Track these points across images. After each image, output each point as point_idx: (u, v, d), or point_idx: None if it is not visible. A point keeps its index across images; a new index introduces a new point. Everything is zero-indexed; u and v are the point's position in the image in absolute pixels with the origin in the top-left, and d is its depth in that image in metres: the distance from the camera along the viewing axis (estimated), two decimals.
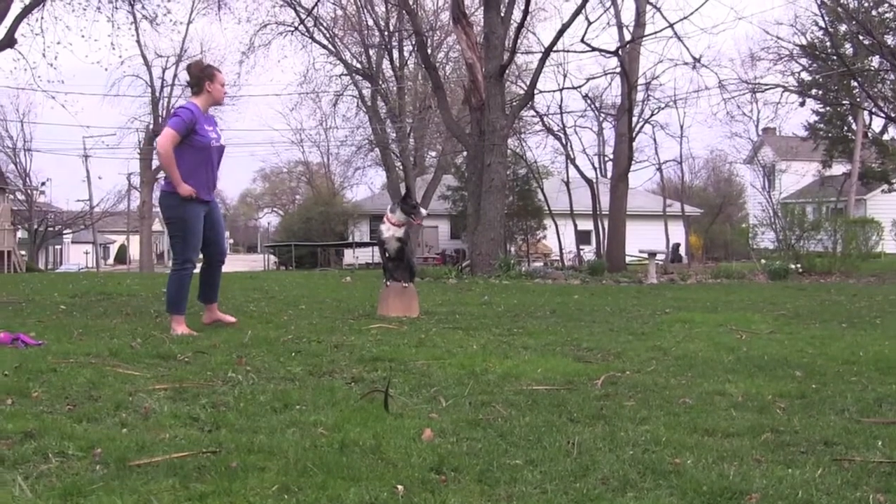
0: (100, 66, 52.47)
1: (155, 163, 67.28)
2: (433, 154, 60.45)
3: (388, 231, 12.31)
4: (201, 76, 10.10)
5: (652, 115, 48.91)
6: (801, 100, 47.13)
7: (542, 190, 49.26)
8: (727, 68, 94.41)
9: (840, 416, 5.76)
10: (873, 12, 38.02)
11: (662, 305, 14.61)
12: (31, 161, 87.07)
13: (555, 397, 6.23)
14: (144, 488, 4.01)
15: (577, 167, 50.22)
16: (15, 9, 26.70)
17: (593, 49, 32.10)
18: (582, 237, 51.10)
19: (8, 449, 4.56)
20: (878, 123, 49.96)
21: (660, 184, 67.85)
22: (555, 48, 30.59)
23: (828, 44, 41.25)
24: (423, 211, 12.41)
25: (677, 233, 58.51)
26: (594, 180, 49.44)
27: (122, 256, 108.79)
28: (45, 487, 4.02)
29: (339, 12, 50.72)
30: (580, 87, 44.62)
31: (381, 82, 53.09)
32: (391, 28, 50.57)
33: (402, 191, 48.69)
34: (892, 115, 39.14)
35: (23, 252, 78.03)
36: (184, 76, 72.50)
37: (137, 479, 4.14)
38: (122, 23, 60.05)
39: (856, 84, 41.13)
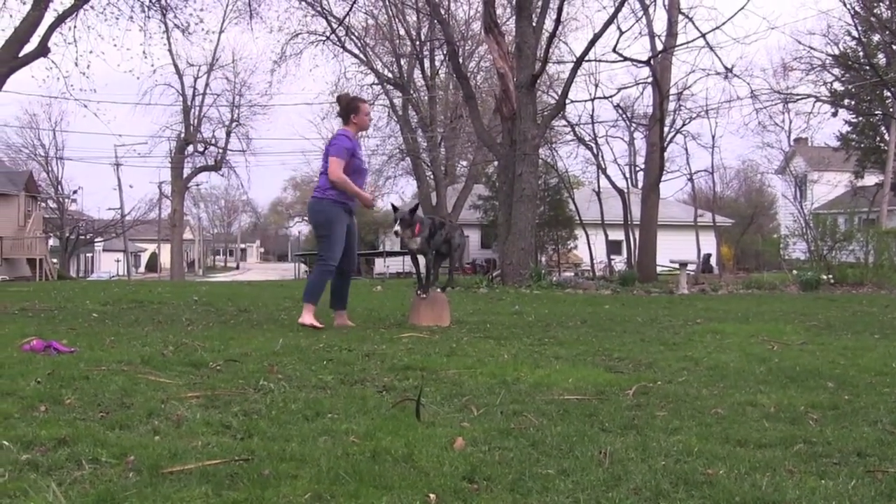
0: (132, 75, 52.86)
1: (186, 171, 67.56)
2: (464, 164, 60.50)
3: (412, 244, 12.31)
4: (348, 110, 11.53)
5: (683, 125, 48.90)
6: (833, 110, 46.99)
7: (573, 200, 49.22)
8: (759, 78, 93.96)
9: (873, 428, 5.72)
10: None
11: (693, 316, 14.57)
12: (63, 169, 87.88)
13: (586, 407, 6.22)
14: (177, 495, 4.02)
15: (608, 177, 50.14)
16: (48, 18, 26.93)
17: (625, 59, 32.04)
18: (613, 247, 50.95)
19: (42, 455, 4.57)
20: None
21: (691, 194, 67.66)
22: (586, 58, 30.61)
23: (861, 54, 41.12)
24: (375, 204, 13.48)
25: (708, 243, 58.29)
26: (625, 190, 49.32)
27: (153, 264, 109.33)
28: (78, 494, 4.04)
29: (371, 22, 50.94)
30: (612, 96, 44.52)
31: (412, 92, 53.19)
32: (422, 37, 50.67)
33: (433, 201, 48.90)
34: None
35: (54, 260, 78.55)
36: (216, 85, 73.16)
37: (170, 486, 4.15)
38: (154, 32, 60.49)
39: (889, 94, 40.95)
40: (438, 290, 12.59)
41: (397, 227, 11.96)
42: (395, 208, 12.39)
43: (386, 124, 58.31)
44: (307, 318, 11.14)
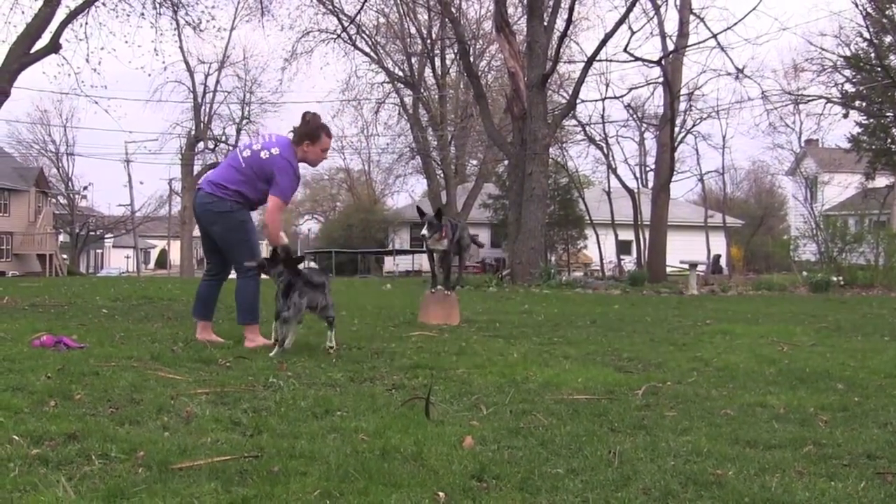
0: (143, 72, 53.09)
1: (196, 167, 67.60)
2: (474, 162, 60.57)
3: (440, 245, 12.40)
4: (310, 133, 9.33)
5: (694, 125, 48.95)
6: (844, 111, 46.80)
7: (583, 199, 49.19)
8: (770, 79, 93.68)
9: (883, 430, 5.72)
10: None
11: (703, 317, 14.55)
12: (73, 165, 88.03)
13: (596, 407, 6.21)
14: (187, 491, 4.03)
15: (618, 177, 50.18)
16: (60, 14, 26.98)
17: (636, 59, 32.05)
18: (623, 247, 50.91)
19: (51, 450, 4.58)
20: None
21: (701, 194, 67.65)
22: (597, 58, 30.60)
23: (872, 55, 40.99)
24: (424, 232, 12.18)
25: (718, 244, 58.26)
26: (635, 190, 49.28)
27: (162, 261, 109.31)
28: (88, 489, 4.04)
29: (382, 20, 50.97)
30: (622, 96, 44.53)
31: (422, 90, 53.19)
32: (434, 36, 50.70)
33: (443, 199, 48.89)
34: None
35: (64, 256, 78.72)
36: (227, 83, 73.23)
37: (180, 482, 4.16)
38: (166, 29, 60.65)
39: None
40: (446, 292, 12.58)
41: (425, 231, 11.97)
42: (421, 213, 12.47)
43: (396, 123, 58.51)
44: (258, 339, 9.30)
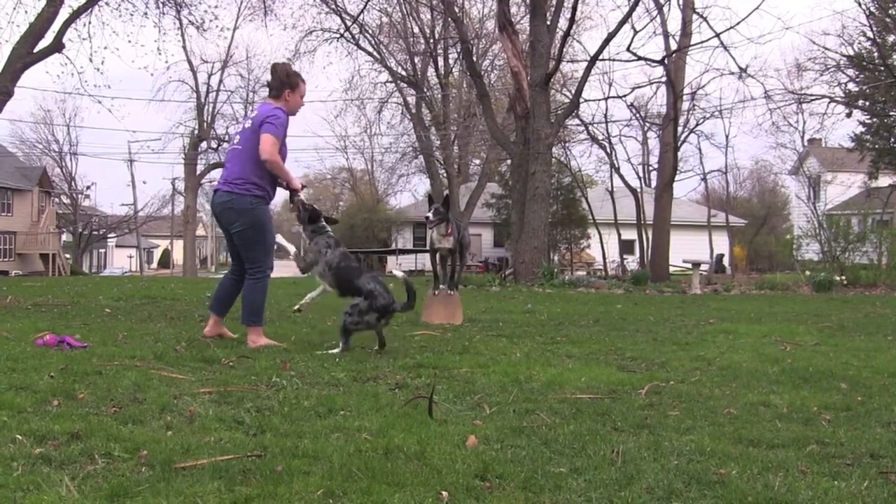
0: (146, 72, 53.22)
1: (199, 167, 67.54)
2: (477, 162, 60.50)
3: (445, 243, 12.45)
4: (286, 83, 9.47)
5: (697, 124, 48.90)
6: (847, 111, 46.75)
7: (586, 199, 49.16)
8: (773, 78, 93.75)
9: (886, 429, 5.72)
10: None
11: (706, 316, 14.54)
12: (76, 165, 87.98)
13: (599, 406, 6.21)
14: (190, 490, 4.03)
15: (621, 176, 50.13)
16: (63, 14, 26.95)
17: (639, 58, 32.00)
18: (625, 247, 50.95)
19: (55, 449, 4.59)
20: None
21: (704, 194, 67.66)
22: (600, 57, 30.56)
23: (875, 54, 40.96)
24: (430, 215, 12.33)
25: (721, 243, 58.27)
26: (638, 190, 49.30)
27: (165, 261, 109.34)
28: (91, 488, 4.05)
29: (385, 20, 50.82)
30: (625, 96, 44.61)
31: (425, 90, 53.10)
32: (436, 35, 50.58)
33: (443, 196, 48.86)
34: None
35: (67, 255, 78.72)
36: (230, 82, 73.14)
37: (183, 481, 4.16)
38: (169, 28, 60.66)
39: None
40: (449, 292, 12.58)
41: (430, 214, 12.02)
42: (431, 200, 12.60)
43: (399, 122, 58.40)
44: (262, 339, 9.24)
